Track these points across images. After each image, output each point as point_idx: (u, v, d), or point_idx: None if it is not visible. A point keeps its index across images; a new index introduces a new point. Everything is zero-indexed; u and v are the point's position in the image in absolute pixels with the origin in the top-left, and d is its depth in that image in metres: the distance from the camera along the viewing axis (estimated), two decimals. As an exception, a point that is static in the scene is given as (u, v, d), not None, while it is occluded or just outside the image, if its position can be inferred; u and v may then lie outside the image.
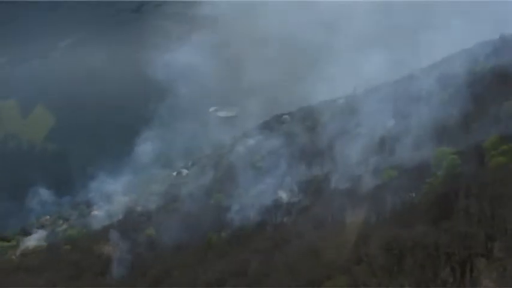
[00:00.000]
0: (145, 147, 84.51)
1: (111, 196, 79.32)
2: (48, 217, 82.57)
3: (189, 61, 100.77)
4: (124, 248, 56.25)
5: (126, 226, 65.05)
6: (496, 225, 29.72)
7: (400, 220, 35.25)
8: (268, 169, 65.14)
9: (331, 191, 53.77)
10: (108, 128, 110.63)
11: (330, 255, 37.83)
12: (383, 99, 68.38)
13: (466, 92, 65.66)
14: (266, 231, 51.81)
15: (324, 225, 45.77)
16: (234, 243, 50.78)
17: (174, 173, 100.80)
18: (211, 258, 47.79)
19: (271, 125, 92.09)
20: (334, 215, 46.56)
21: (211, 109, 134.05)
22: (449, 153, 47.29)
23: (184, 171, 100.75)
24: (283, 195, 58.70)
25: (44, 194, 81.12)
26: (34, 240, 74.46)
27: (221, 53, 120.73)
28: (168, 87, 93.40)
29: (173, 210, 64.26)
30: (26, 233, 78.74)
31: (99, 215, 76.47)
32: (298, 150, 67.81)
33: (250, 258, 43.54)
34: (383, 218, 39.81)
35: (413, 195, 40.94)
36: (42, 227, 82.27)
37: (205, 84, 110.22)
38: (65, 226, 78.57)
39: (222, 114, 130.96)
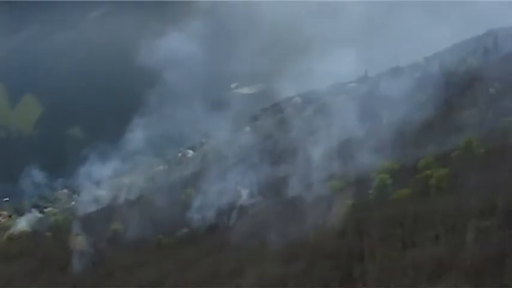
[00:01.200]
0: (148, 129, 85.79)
1: (100, 182, 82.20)
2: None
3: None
4: (86, 242, 58.33)
5: (96, 218, 67.91)
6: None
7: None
8: (235, 166, 66.33)
9: (281, 198, 54.62)
10: (105, 110, 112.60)
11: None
12: (354, 99, 68.53)
13: (439, 95, 65.18)
14: (215, 234, 53.28)
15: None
16: (182, 245, 52.41)
17: (180, 154, 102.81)
18: (155, 261, 49.46)
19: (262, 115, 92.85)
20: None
21: (233, 85, 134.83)
22: (382, 171, 47.17)
23: (190, 152, 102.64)
24: (243, 196, 59.77)
25: (37, 175, 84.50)
26: (25, 221, 78.16)
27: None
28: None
29: (144, 204, 66.18)
30: (19, 213, 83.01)
31: (85, 201, 79.23)
32: (268, 148, 68.68)
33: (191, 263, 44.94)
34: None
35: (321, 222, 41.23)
36: (36, 206, 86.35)
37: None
38: (55, 210, 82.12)
39: (244, 91, 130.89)
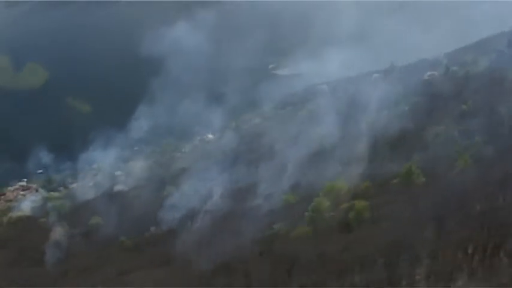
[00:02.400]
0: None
1: (102, 169, 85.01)
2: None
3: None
4: (64, 234, 60.56)
5: (82, 208, 70.39)
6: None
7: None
8: (218, 164, 67.25)
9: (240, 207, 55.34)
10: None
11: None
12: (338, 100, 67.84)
13: (423, 104, 63.81)
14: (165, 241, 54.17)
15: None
16: (138, 248, 53.93)
17: (198, 138, 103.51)
18: (106, 263, 51.14)
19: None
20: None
21: (271, 66, 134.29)
22: (325, 192, 46.84)
23: (210, 137, 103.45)
24: (213, 199, 60.69)
25: (44, 156, 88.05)
26: (29, 202, 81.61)
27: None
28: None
29: (125, 199, 68.02)
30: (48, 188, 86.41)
31: (84, 188, 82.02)
32: (253, 147, 69.15)
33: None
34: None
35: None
36: (44, 186, 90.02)
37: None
38: (56, 194, 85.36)
39: (282, 72, 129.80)
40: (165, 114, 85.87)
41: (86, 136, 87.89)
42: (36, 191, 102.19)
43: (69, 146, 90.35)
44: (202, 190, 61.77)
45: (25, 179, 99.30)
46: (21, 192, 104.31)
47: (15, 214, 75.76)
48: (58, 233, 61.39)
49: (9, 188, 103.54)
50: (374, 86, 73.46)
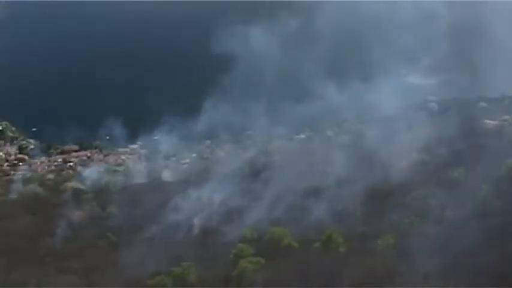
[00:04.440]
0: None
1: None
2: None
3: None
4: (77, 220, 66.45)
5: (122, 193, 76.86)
6: None
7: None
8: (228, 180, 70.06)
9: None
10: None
11: None
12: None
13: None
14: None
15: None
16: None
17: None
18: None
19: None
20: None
21: (403, 72, 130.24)
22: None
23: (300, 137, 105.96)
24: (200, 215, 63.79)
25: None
26: (93, 172, 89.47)
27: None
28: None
29: (135, 195, 72.55)
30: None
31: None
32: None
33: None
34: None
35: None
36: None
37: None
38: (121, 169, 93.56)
39: (416, 80, 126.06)
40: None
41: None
42: (139, 158, 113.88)
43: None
44: (197, 203, 64.81)
45: (140, 143, 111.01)
46: (122, 157, 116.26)
47: (70, 184, 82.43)
48: (77, 216, 67.79)
49: (119, 149, 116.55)
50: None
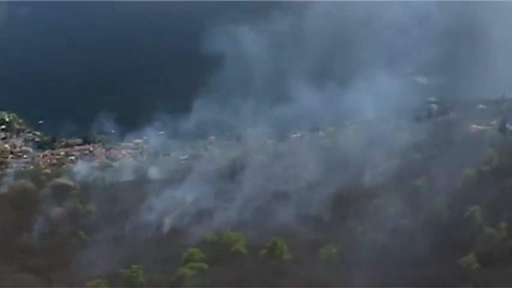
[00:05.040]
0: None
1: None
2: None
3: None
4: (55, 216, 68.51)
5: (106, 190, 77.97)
6: None
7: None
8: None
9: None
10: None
11: None
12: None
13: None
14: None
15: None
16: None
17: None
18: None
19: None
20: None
21: (408, 71, 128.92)
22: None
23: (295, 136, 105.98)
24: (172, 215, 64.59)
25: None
26: (83, 168, 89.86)
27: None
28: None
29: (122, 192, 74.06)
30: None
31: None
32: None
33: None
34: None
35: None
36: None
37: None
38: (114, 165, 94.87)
39: (421, 80, 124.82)
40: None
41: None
42: (141, 153, 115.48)
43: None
44: (171, 203, 65.57)
45: (145, 137, 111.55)
46: (123, 152, 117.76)
47: (58, 180, 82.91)
48: (56, 213, 69.13)
49: (122, 144, 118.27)
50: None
